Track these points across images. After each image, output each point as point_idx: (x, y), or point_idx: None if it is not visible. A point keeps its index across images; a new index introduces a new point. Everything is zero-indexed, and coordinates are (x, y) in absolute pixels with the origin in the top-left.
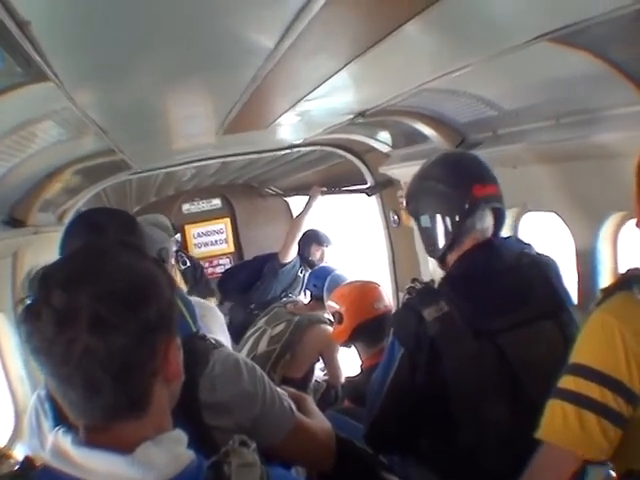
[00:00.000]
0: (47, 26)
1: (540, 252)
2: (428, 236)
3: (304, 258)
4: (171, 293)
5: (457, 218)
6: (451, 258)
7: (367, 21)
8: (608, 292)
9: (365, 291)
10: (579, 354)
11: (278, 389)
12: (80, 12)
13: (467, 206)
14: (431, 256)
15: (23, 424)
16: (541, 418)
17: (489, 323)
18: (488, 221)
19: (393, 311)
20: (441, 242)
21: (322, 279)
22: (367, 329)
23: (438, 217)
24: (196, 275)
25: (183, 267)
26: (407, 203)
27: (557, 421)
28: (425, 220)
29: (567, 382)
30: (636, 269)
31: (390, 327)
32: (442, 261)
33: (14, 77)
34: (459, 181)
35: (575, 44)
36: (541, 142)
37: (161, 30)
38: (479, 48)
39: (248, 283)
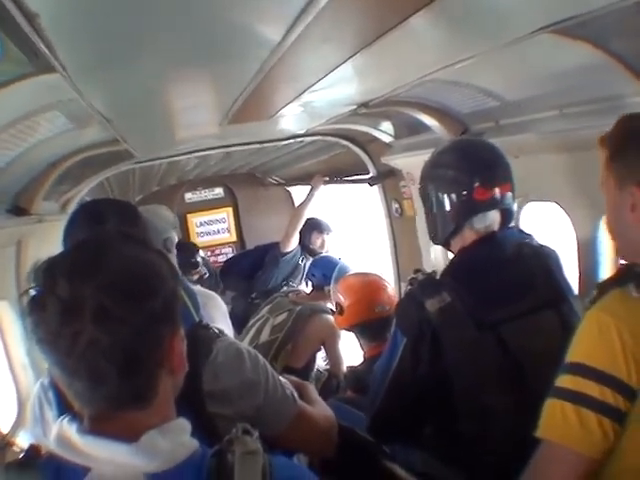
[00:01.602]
0: (55, 18)
1: (541, 243)
2: (430, 222)
3: (305, 246)
4: (174, 283)
5: (458, 212)
6: (454, 246)
7: (373, 13)
8: (603, 288)
9: (370, 291)
10: (576, 353)
11: (280, 377)
12: (86, 4)
13: (467, 206)
14: (434, 242)
15: (26, 412)
16: (541, 414)
17: (491, 314)
18: (491, 219)
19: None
20: (443, 230)
21: (320, 268)
22: (365, 328)
23: (440, 204)
24: (211, 283)
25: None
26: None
27: (556, 419)
28: (429, 205)
29: (565, 381)
30: (632, 264)
31: (391, 323)
32: (446, 247)
33: (21, 68)
34: (462, 180)
35: (577, 36)
36: (543, 132)
37: (167, 21)
38: (482, 40)
39: (249, 272)
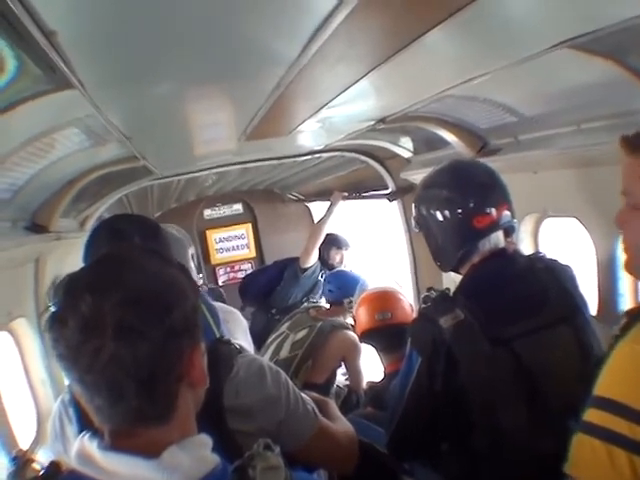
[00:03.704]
0: (73, 36)
1: (554, 257)
2: (434, 253)
3: (324, 262)
4: (195, 299)
5: (463, 241)
6: (463, 270)
7: (389, 30)
8: (633, 317)
9: (370, 300)
10: (605, 387)
11: (302, 393)
12: (105, 21)
13: (468, 237)
14: (443, 271)
15: (45, 427)
16: (560, 432)
17: (505, 330)
18: (495, 240)
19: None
20: (449, 260)
21: (334, 283)
22: (371, 337)
23: (442, 235)
24: None
25: None
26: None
27: (586, 457)
28: (430, 239)
29: (594, 416)
30: None
31: (404, 334)
32: (455, 272)
33: (39, 85)
34: (458, 213)
35: (595, 51)
36: (562, 148)
37: (185, 39)
38: (500, 55)
39: (269, 288)
